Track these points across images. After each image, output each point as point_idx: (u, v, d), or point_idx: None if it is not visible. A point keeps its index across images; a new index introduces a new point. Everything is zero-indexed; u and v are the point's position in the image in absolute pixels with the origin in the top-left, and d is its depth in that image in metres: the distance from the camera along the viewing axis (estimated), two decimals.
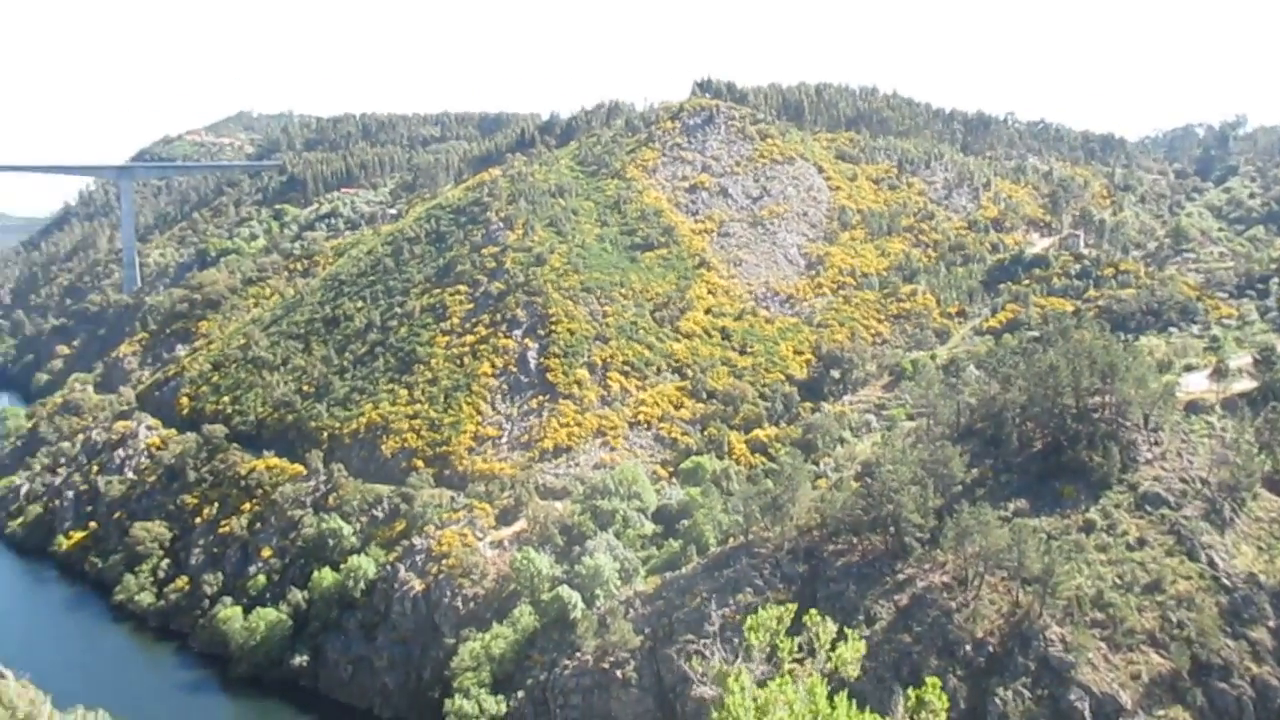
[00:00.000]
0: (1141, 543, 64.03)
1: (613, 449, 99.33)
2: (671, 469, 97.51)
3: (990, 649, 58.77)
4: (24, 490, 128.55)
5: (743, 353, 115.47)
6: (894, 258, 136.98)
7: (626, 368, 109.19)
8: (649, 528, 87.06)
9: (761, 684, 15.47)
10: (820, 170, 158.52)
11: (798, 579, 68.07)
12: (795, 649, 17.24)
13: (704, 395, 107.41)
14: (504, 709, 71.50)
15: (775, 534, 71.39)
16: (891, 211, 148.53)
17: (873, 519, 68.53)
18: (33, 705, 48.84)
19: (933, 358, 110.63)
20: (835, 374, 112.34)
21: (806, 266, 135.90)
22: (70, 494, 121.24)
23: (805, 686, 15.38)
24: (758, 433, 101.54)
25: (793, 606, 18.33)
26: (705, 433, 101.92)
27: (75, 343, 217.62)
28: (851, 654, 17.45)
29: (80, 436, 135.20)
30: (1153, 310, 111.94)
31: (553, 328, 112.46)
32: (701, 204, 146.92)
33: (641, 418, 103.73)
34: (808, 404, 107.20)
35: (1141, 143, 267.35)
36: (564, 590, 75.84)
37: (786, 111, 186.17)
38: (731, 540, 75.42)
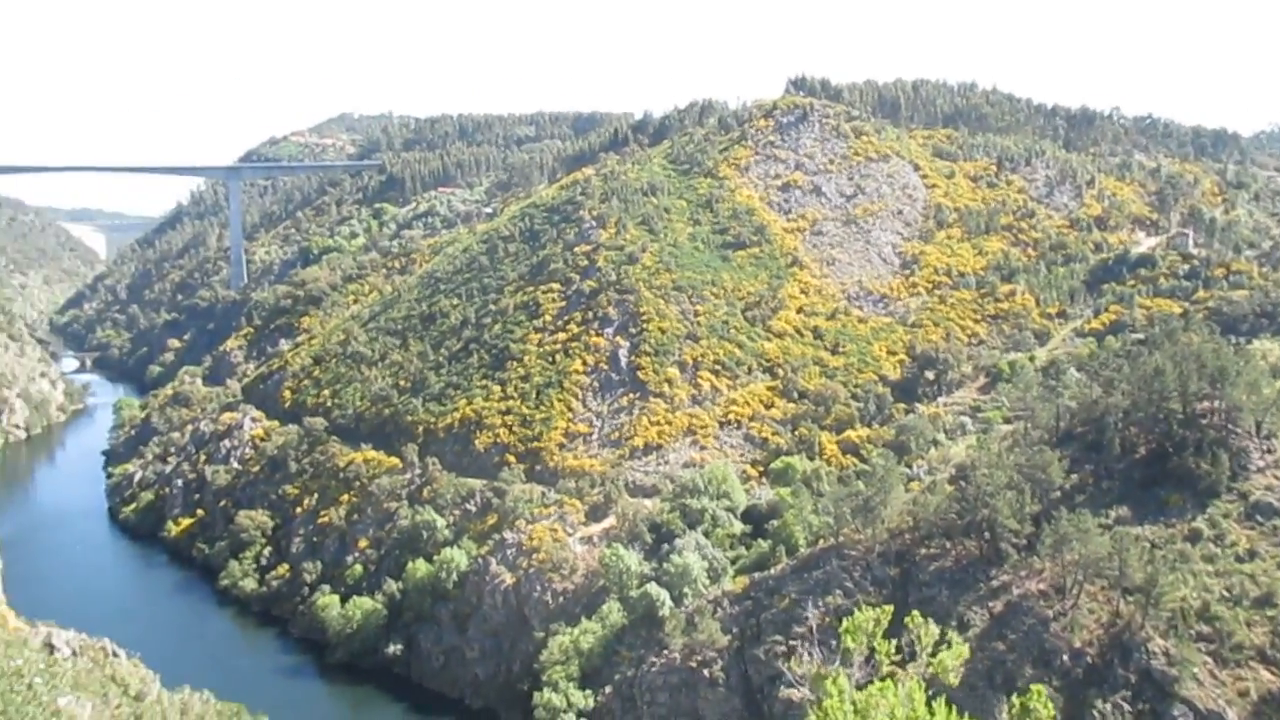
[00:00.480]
0: (1252, 554, 61.24)
1: (702, 448, 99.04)
2: (761, 469, 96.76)
3: (1089, 660, 56.92)
4: (137, 478, 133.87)
5: (835, 352, 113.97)
6: (992, 257, 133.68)
7: (717, 366, 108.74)
8: (738, 527, 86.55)
9: (860, 687, 15.12)
10: (916, 168, 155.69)
11: (889, 582, 66.90)
12: (893, 652, 16.79)
13: (795, 395, 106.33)
14: (591, 704, 71.89)
15: (866, 536, 70.30)
16: (990, 209, 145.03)
17: (967, 523, 66.97)
18: (143, 683, 50.66)
19: (1031, 359, 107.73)
20: (929, 375, 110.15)
21: (901, 265, 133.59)
22: (179, 482, 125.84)
23: (905, 691, 14.97)
24: (849, 433, 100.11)
25: (889, 609, 17.89)
26: (796, 433, 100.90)
27: (185, 337, 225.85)
28: (953, 659, 16.94)
29: (189, 427, 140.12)
30: (1266, 313, 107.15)
31: (644, 326, 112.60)
32: (794, 202, 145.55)
33: (732, 417, 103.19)
34: (901, 405, 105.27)
35: (1256, 138, 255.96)
36: (652, 587, 75.89)
37: (882, 109, 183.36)
38: (821, 542, 74.48)
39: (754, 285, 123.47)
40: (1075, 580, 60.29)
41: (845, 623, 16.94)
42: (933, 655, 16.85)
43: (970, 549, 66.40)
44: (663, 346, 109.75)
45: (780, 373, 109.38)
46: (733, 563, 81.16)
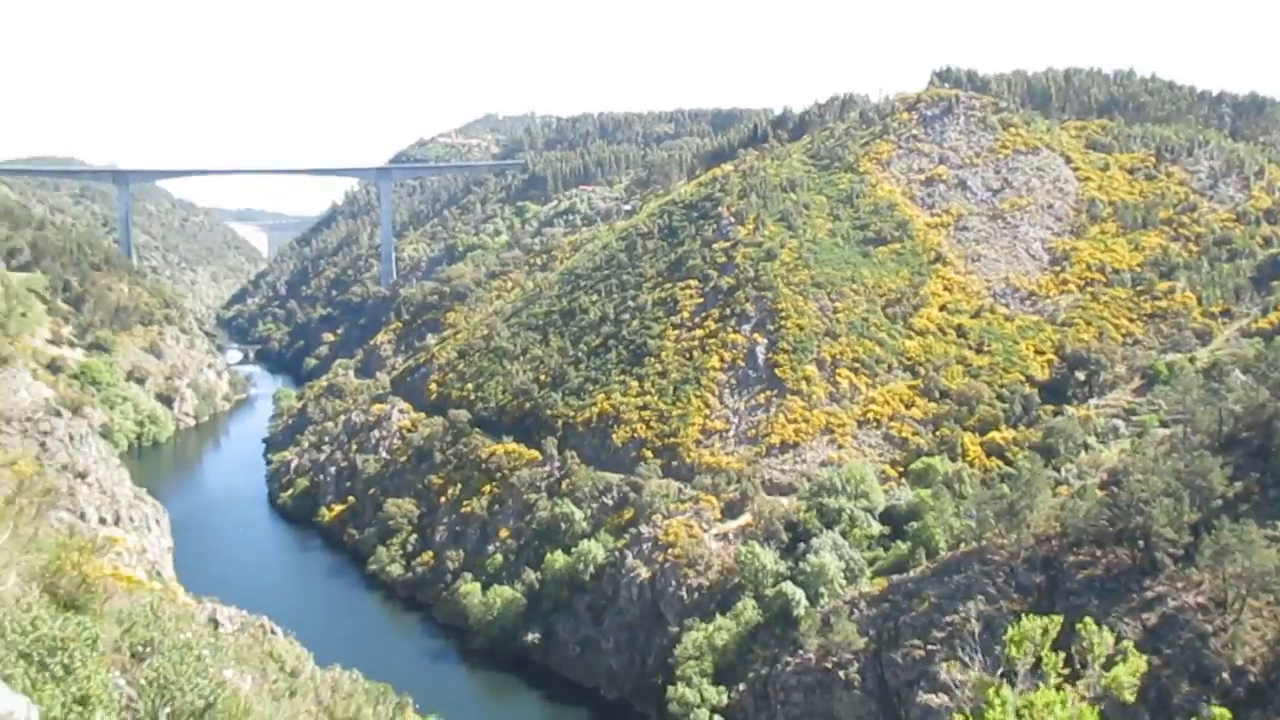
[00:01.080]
0: None
1: (840, 447, 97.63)
2: (901, 469, 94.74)
3: (1252, 678, 53.70)
4: (294, 465, 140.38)
5: (979, 351, 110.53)
6: (1149, 252, 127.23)
7: (856, 365, 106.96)
8: (876, 528, 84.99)
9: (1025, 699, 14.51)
10: (1068, 160, 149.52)
11: (1034, 590, 64.56)
12: (1061, 664, 16.01)
13: (937, 394, 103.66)
14: (725, 700, 71.81)
15: (1010, 541, 68.02)
16: (1148, 203, 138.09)
17: (1119, 531, 64.02)
18: (298, 660, 53.04)
19: (1191, 360, 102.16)
20: (1080, 375, 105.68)
21: (1050, 262, 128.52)
22: (332, 470, 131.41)
23: (1075, 705, 14.25)
24: (994, 435, 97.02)
25: (1059, 618, 17.04)
26: (937, 433, 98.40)
27: (339, 331, 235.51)
28: (1129, 674, 16.01)
29: (342, 417, 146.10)
30: None
31: (782, 323, 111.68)
32: (938, 197, 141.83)
33: (871, 416, 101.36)
34: (1049, 407, 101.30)
35: None
36: (788, 586, 75.29)
37: (1031, 99, 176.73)
38: (963, 545, 72.48)
39: (895, 282, 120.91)
40: (1238, 594, 56.95)
41: (1010, 630, 16.22)
42: (1105, 668, 15.96)
43: (1122, 558, 63.47)
44: (801, 344, 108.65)
45: (921, 371, 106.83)
46: (870, 564, 79.77)
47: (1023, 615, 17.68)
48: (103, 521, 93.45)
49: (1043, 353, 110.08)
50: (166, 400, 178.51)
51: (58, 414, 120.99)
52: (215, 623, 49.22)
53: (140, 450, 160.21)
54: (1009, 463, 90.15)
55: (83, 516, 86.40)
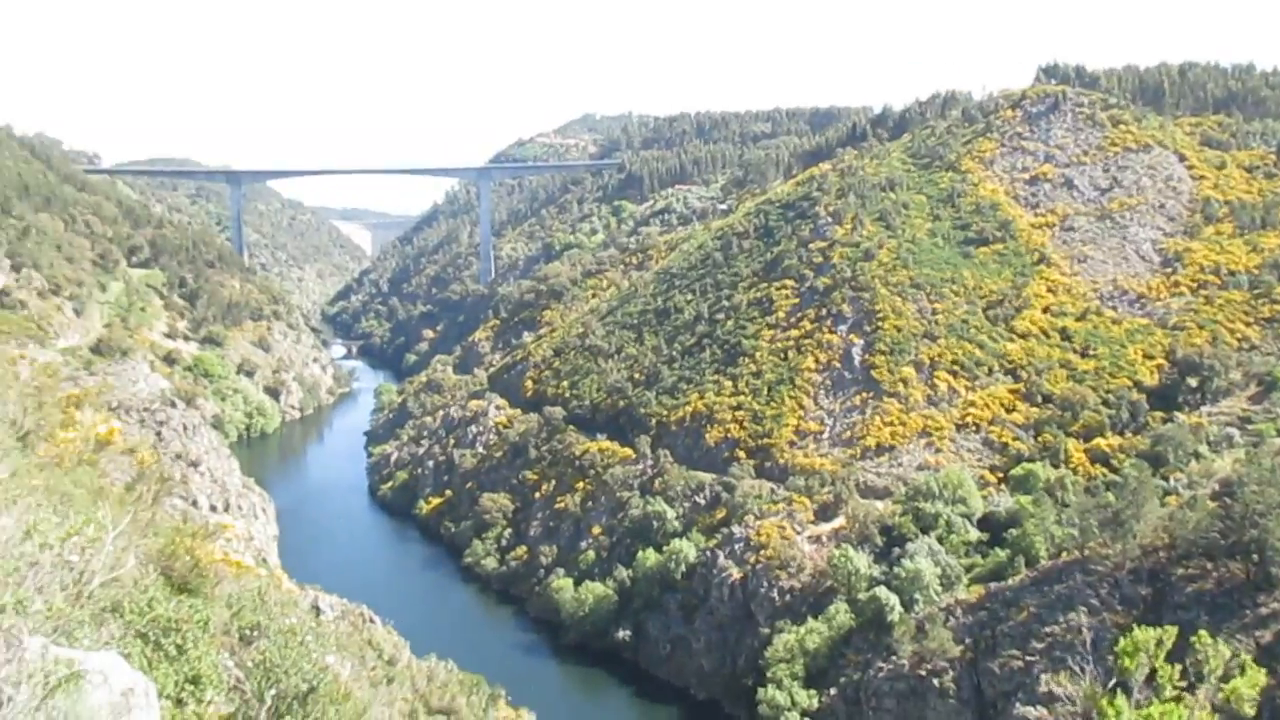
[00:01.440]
0: None
1: (938, 450, 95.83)
2: (1000, 475, 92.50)
3: None
4: (393, 458, 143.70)
5: (1084, 355, 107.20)
6: (1269, 254, 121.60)
7: (955, 367, 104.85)
8: (973, 534, 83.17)
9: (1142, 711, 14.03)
10: (1181, 158, 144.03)
11: (1139, 602, 62.45)
12: (1176, 676, 15.42)
13: (1039, 399, 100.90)
14: (816, 704, 71.14)
15: (1115, 551, 65.86)
16: (1267, 203, 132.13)
17: (1231, 544, 61.50)
18: (395, 649, 54.28)
19: None
20: (1192, 382, 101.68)
21: (1161, 263, 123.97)
22: (430, 464, 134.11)
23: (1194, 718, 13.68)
24: (1099, 441, 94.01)
25: (1173, 629, 16.46)
26: (1039, 439, 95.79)
27: (439, 327, 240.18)
28: (1248, 687, 15.38)
29: (440, 412, 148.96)
30: None
31: (879, 324, 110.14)
32: (1043, 196, 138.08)
33: (970, 420, 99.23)
34: (1157, 413, 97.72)
35: None
36: (881, 591, 74.21)
37: (1143, 95, 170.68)
38: (1065, 554, 70.44)
39: (997, 283, 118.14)
40: None
41: (1123, 641, 15.67)
42: (1223, 681, 15.34)
43: (1235, 572, 60.96)
44: (898, 345, 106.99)
45: (1023, 375, 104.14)
46: (967, 571, 78.11)
47: (1133, 627, 17.07)
48: (213, 509, 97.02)
49: (1152, 357, 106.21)
50: (274, 393, 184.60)
51: (173, 405, 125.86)
52: (317, 610, 50.64)
53: (249, 441, 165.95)
54: (1114, 470, 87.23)
55: (195, 504, 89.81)
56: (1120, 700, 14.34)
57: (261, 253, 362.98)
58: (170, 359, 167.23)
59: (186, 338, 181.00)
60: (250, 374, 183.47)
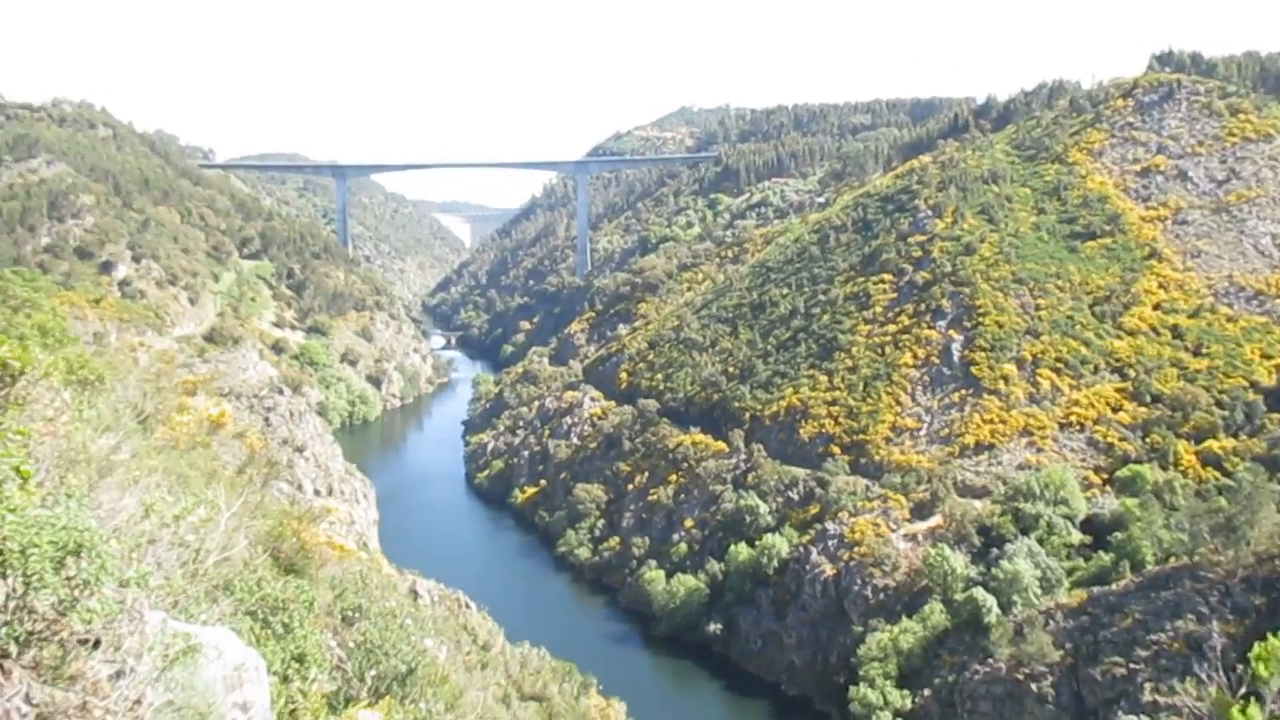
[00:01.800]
0: None
1: (1039, 450, 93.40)
2: (1105, 476, 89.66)
3: None
4: (490, 447, 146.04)
5: (1197, 354, 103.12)
6: None
7: (1059, 364, 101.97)
8: (1076, 537, 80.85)
9: None
10: None
11: (1252, 611, 59.99)
12: None
13: (1148, 398, 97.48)
14: (909, 705, 70.18)
15: (1227, 558, 63.38)
16: None
17: None
18: (490, 635, 55.32)
19: None
20: None
21: None
22: (525, 454, 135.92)
23: None
24: (1211, 443, 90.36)
25: None
26: (1147, 440, 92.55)
27: (535, 319, 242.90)
28: None
29: (536, 403, 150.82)
30: None
31: (979, 320, 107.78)
32: (1154, 189, 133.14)
33: (1073, 419, 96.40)
34: (1275, 415, 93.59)
35: None
36: (978, 592, 72.77)
37: (1265, 83, 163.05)
38: (1173, 560, 68.08)
39: (1104, 278, 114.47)
40: None
41: (1257, 648, 14.98)
42: None
43: None
44: (999, 341, 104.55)
45: (1131, 374, 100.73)
46: (1068, 574, 76.00)
47: (1264, 636, 16.32)
48: (317, 493, 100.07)
49: (1270, 357, 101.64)
50: (375, 382, 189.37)
51: (280, 392, 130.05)
52: (415, 594, 51.86)
53: (351, 428, 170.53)
54: (1227, 474, 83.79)
55: (300, 488, 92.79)
56: (1254, 709, 13.67)
57: (365, 245, 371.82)
58: (278, 347, 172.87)
59: (293, 327, 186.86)
60: (353, 363, 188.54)
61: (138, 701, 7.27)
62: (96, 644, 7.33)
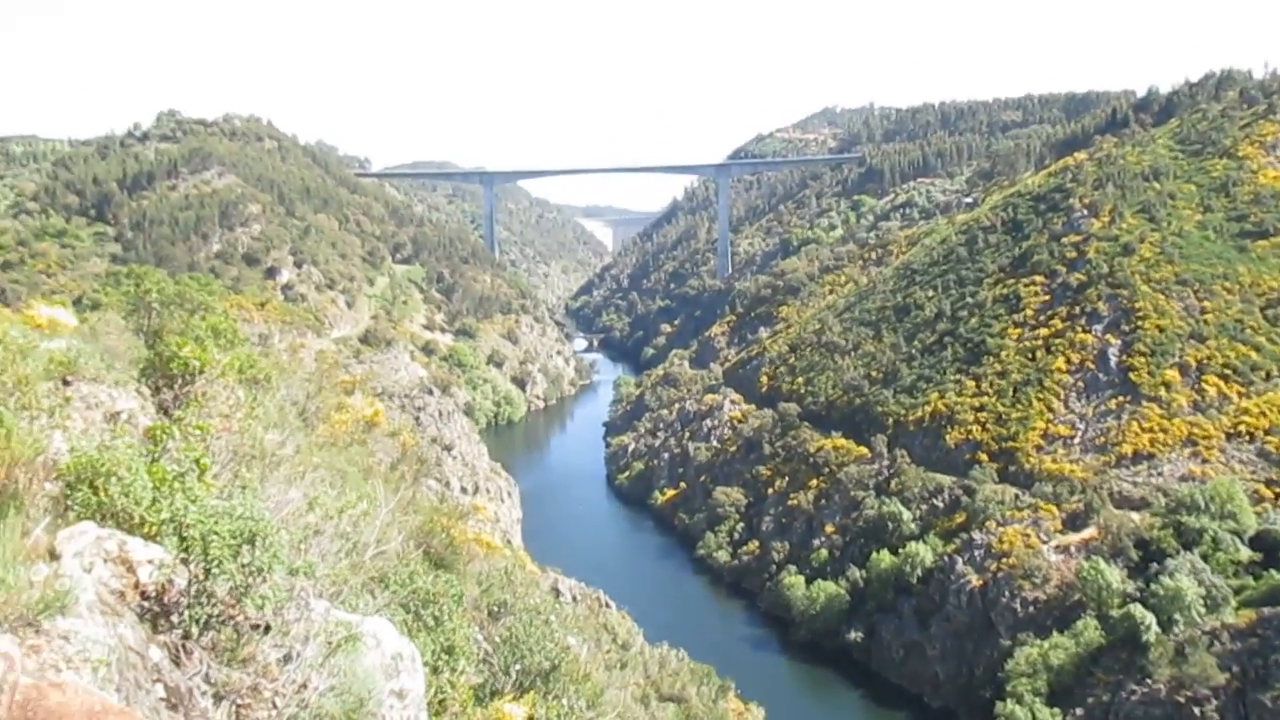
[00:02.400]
0: None
1: (1204, 460, 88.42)
2: (1278, 490, 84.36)
3: None
4: (630, 449, 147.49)
5: None
6: None
7: (1226, 371, 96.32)
8: (1244, 554, 76.18)
9: None
10: None
11: None
12: None
13: None
14: None
15: None
16: None
17: None
18: (629, 634, 55.86)
19: None
20: None
21: None
22: (665, 456, 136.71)
23: None
24: None
25: None
26: None
27: (676, 322, 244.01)
28: None
29: (676, 406, 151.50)
30: None
31: (1139, 323, 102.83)
32: None
33: (1243, 428, 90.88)
34: None
35: None
36: (1136, 609, 69.38)
37: None
38: None
39: (1278, 280, 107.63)
40: None
41: None
42: None
43: None
44: (1160, 346, 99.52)
45: None
46: (1236, 593, 71.66)
47: None
48: (464, 491, 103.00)
49: None
50: (520, 383, 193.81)
51: (430, 392, 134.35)
52: (556, 591, 52.82)
53: (496, 428, 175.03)
54: None
55: (448, 485, 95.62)
56: None
57: (511, 249, 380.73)
58: (428, 349, 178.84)
59: (442, 329, 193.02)
60: (499, 364, 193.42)
61: (304, 685, 7.70)
62: (267, 629, 7.81)
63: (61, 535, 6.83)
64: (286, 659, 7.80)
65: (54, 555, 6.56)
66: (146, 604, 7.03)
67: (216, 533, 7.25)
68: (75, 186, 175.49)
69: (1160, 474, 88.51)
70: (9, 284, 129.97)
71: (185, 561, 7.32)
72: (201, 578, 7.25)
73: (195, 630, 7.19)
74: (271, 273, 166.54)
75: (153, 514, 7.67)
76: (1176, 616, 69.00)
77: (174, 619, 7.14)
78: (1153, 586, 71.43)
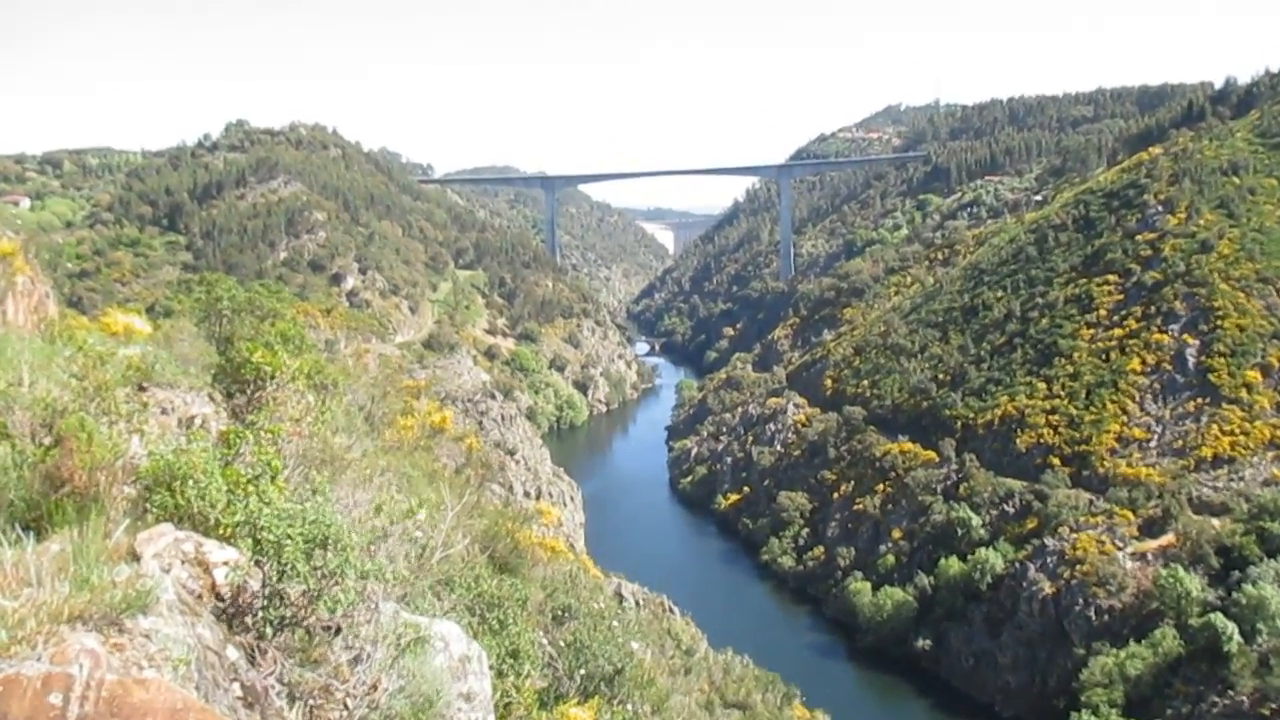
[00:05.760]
0: None
1: None
2: None
3: None
4: (693, 453, 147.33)
5: None
6: None
7: None
8: None
9: None
10: None
11: None
12: None
13: None
14: None
15: None
16: None
17: None
18: (693, 640, 55.84)
19: None
20: None
21: None
22: (729, 460, 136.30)
23: None
24: None
25: None
26: None
27: (738, 325, 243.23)
28: None
29: (739, 409, 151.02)
30: None
31: (1218, 323, 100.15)
32: None
33: None
34: None
35: None
36: (1217, 618, 67.56)
37: None
38: None
39: None
40: None
41: None
42: None
43: None
44: (1241, 346, 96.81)
45: None
46: None
47: None
48: (527, 495, 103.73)
49: None
50: (582, 387, 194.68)
51: (492, 396, 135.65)
52: (620, 596, 52.96)
53: (559, 432, 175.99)
54: None
55: (511, 489, 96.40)
56: None
57: (572, 253, 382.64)
58: (490, 353, 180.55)
59: (504, 334, 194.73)
60: (561, 369, 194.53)
61: (374, 686, 7.86)
62: (338, 631, 7.99)
63: (141, 537, 7.05)
64: (357, 660, 7.97)
65: (135, 556, 6.78)
66: (222, 605, 7.23)
67: (290, 536, 7.43)
68: (148, 197, 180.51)
69: (1242, 478, 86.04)
70: (85, 292, 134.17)
71: (260, 564, 7.52)
72: (275, 580, 7.44)
73: (269, 631, 7.38)
74: (337, 279, 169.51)
75: (227, 516, 7.90)
76: (1260, 626, 67.01)
77: (249, 620, 7.34)
78: (1235, 595, 69.52)
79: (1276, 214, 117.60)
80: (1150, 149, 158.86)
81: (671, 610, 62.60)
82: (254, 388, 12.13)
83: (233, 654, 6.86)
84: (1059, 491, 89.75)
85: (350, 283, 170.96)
